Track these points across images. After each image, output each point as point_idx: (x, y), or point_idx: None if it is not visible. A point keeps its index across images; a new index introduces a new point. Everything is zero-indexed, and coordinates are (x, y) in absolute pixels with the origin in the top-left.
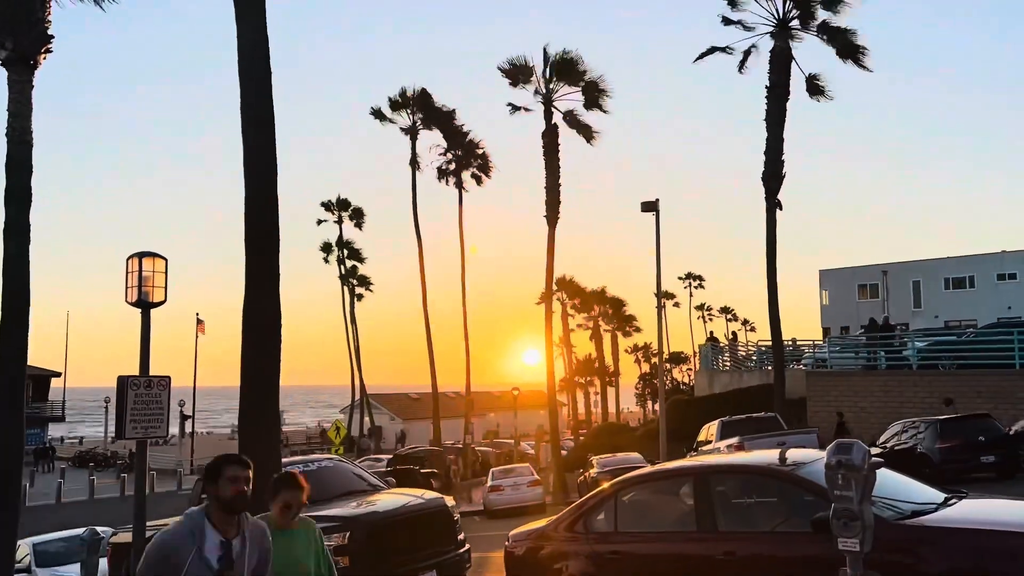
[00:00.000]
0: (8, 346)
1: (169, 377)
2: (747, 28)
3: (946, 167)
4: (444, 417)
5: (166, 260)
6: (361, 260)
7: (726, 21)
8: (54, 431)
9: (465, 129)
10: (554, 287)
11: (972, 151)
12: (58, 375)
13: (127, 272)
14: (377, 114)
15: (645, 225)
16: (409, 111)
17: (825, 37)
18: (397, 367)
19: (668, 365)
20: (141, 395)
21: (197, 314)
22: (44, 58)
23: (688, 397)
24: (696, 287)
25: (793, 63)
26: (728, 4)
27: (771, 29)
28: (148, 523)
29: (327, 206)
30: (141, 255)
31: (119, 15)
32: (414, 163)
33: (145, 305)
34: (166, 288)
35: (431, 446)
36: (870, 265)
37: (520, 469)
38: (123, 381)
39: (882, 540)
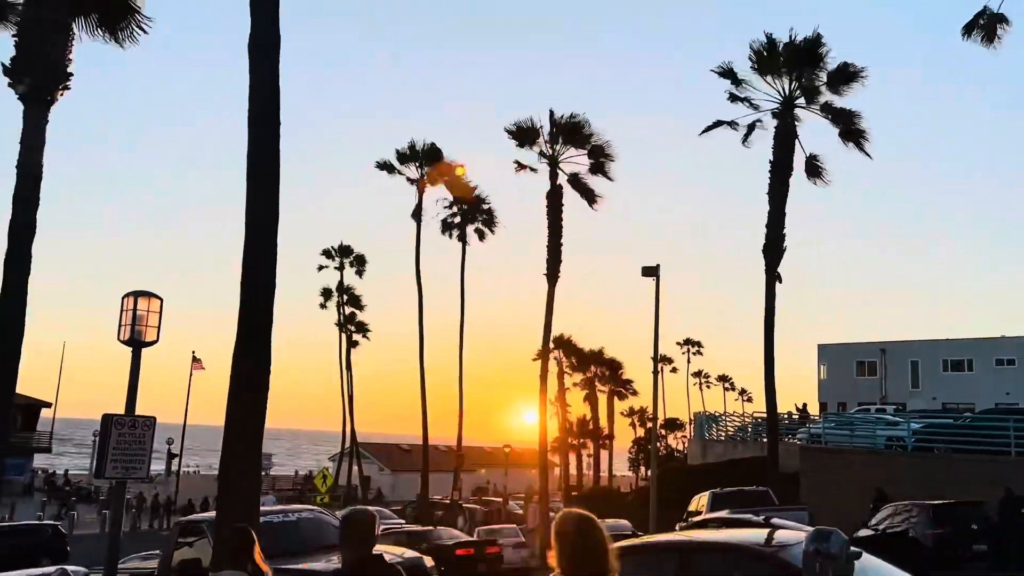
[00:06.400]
0: None
1: (154, 418)
2: (752, 105)
3: (946, 249)
4: (434, 471)
5: (161, 300)
6: (360, 307)
7: (732, 98)
8: (39, 462)
9: (472, 184)
10: (551, 345)
11: (972, 235)
12: (48, 405)
13: (121, 310)
14: (385, 166)
15: (645, 289)
16: (417, 164)
17: (829, 117)
18: (388, 415)
19: (663, 431)
20: (125, 435)
21: (193, 352)
22: (61, 95)
23: (681, 465)
24: (694, 353)
25: (796, 141)
26: (732, 83)
27: (776, 107)
28: (124, 563)
29: (328, 253)
30: (136, 294)
31: (130, 56)
32: (419, 215)
33: (137, 344)
34: (159, 328)
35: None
36: (869, 342)
37: (507, 530)
38: (107, 419)
39: None
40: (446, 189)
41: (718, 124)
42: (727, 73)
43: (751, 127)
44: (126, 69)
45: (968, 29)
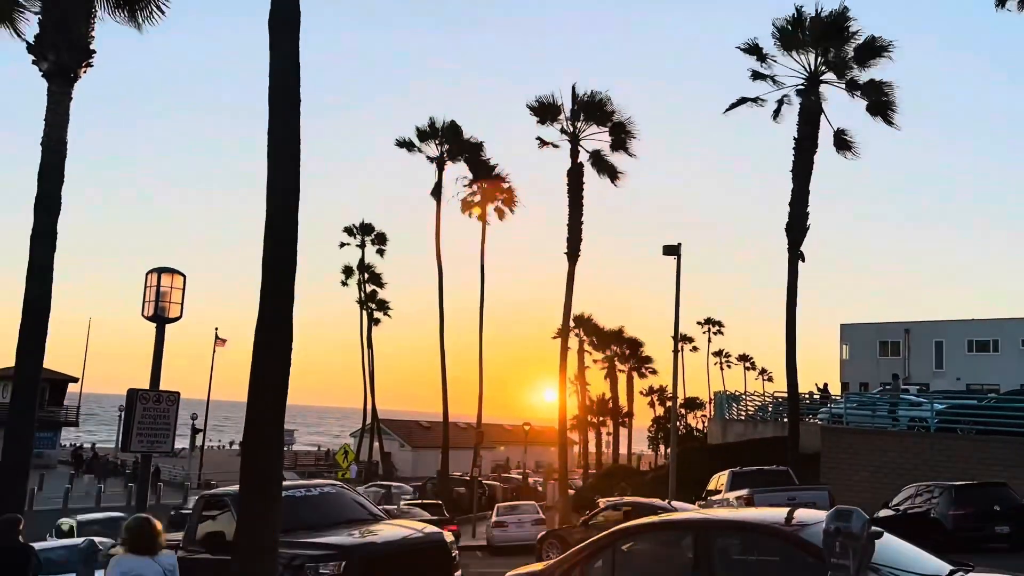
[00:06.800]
0: (25, 351)
1: (178, 393)
2: (777, 83)
3: (972, 229)
4: (454, 447)
5: (184, 276)
6: (381, 285)
7: (756, 75)
8: (65, 436)
9: (492, 163)
10: (571, 324)
11: (998, 214)
12: (75, 380)
13: (145, 287)
14: (405, 144)
15: (666, 268)
16: (437, 141)
17: (857, 92)
18: (409, 392)
19: (683, 410)
20: (149, 409)
21: (216, 329)
22: (84, 72)
23: (701, 444)
24: (715, 333)
25: (822, 116)
26: (757, 60)
27: (800, 84)
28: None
29: (350, 231)
30: (160, 271)
31: (154, 35)
32: (439, 193)
33: (161, 320)
34: (183, 304)
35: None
36: (893, 322)
37: (526, 506)
38: (132, 394)
39: None
40: (467, 168)
41: (743, 101)
42: (752, 50)
43: (780, 103)
44: (150, 45)
45: None
